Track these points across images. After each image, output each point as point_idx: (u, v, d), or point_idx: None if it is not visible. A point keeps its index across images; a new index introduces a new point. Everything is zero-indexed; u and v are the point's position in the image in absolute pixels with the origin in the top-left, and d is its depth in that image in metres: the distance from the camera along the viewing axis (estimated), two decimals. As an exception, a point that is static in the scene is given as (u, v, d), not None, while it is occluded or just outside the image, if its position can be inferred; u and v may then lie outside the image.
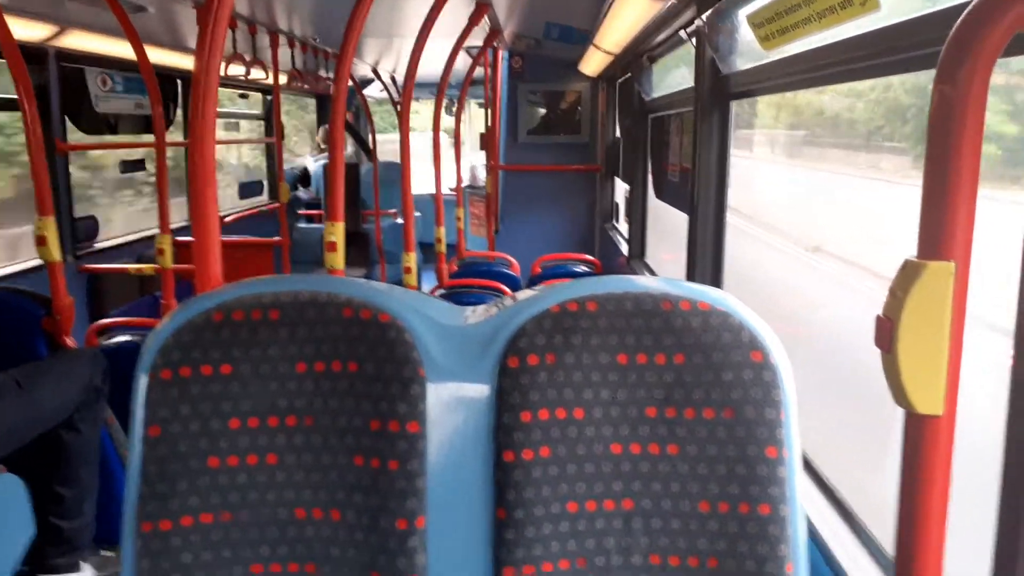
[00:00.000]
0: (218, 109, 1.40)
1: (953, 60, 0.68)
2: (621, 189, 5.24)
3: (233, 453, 0.94)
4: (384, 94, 7.34)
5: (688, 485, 0.93)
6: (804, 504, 0.94)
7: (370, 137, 6.67)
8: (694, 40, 2.34)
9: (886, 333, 0.73)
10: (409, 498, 0.93)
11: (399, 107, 4.53)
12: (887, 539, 1.28)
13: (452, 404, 0.95)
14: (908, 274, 0.72)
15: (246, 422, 0.94)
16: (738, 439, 0.91)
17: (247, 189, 6.32)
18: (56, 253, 2.48)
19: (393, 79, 7.02)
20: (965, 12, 0.68)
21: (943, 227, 0.71)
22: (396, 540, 0.92)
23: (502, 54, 5.36)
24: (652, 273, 4.07)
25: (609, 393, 0.93)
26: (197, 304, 0.96)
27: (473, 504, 0.94)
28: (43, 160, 2.44)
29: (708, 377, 0.92)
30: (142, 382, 0.94)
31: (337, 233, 1.87)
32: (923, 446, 0.74)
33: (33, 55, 3.37)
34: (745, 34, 2.09)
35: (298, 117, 8.94)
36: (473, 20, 3.24)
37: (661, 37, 3.04)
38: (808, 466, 1.59)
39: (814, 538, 1.34)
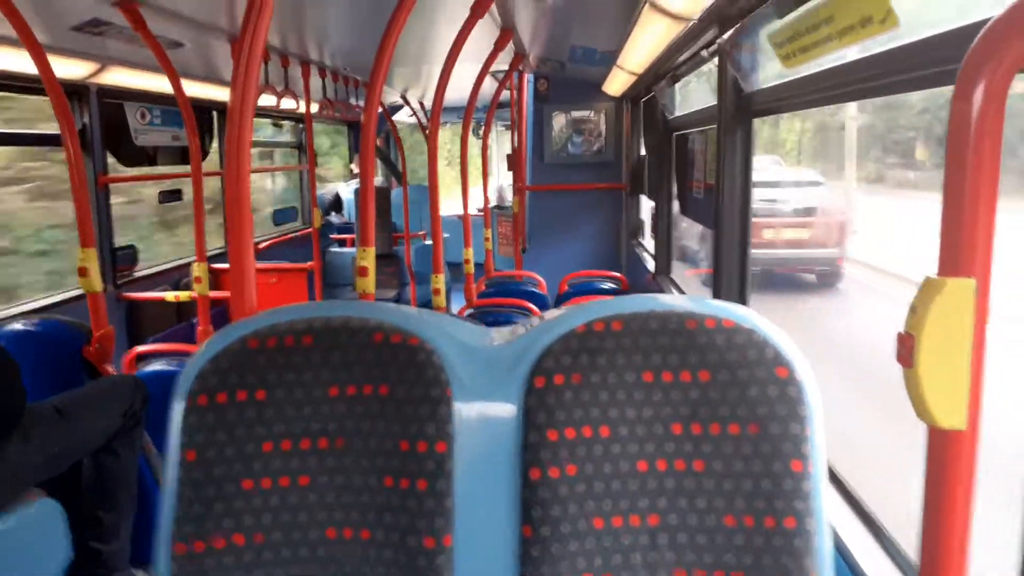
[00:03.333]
0: (252, 139, 1.44)
1: (971, 77, 0.69)
2: (647, 206, 5.24)
3: (266, 475, 0.97)
4: (413, 119, 7.45)
5: (714, 500, 0.93)
6: (830, 517, 0.94)
7: (400, 162, 6.76)
8: (716, 59, 2.36)
9: (908, 349, 0.73)
10: (437, 517, 0.94)
11: (427, 132, 4.60)
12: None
13: (479, 424, 0.97)
14: (929, 291, 0.72)
15: (279, 445, 0.97)
16: (764, 454, 0.92)
17: (281, 215, 6.44)
18: (98, 284, 2.56)
19: (421, 104, 7.12)
20: (983, 30, 0.68)
21: (963, 244, 0.71)
22: (425, 559, 0.94)
23: (527, 77, 5.42)
24: (679, 289, 4.06)
25: (635, 411, 0.94)
26: (233, 331, 1.00)
27: (500, 522, 0.96)
28: (86, 194, 2.52)
29: (733, 394, 0.93)
30: (179, 408, 0.97)
31: (368, 258, 1.91)
32: (947, 460, 0.74)
33: (75, 91, 3.49)
34: (766, 52, 2.11)
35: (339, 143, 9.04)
36: (498, 45, 3.29)
37: (684, 57, 3.06)
38: (835, 478, 1.58)
39: (840, 551, 1.33)
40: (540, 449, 0.94)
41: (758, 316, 0.96)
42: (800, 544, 0.91)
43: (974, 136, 0.69)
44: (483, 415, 0.97)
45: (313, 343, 0.98)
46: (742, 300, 2.33)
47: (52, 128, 3.04)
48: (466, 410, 0.97)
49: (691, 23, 2.51)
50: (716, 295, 2.40)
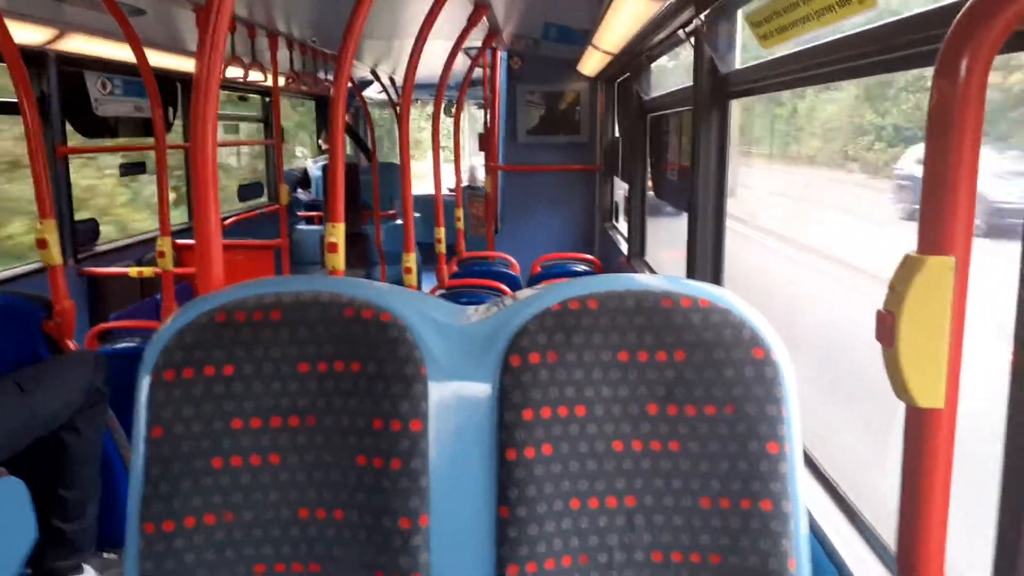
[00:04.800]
0: (218, 111, 1.40)
1: (952, 57, 0.68)
2: (620, 188, 5.24)
3: (236, 453, 0.94)
4: (383, 95, 7.36)
5: (690, 482, 0.93)
6: (805, 499, 0.94)
7: (369, 138, 6.67)
8: (692, 39, 2.35)
9: (887, 327, 0.73)
10: (412, 497, 0.93)
11: (398, 108, 4.53)
12: (890, 533, 1.29)
13: (454, 403, 0.96)
14: (908, 268, 0.72)
15: (249, 422, 0.95)
16: (739, 435, 0.92)
17: (246, 191, 6.32)
18: (57, 256, 2.49)
19: (392, 80, 7.02)
20: (964, 8, 0.68)
21: (943, 222, 0.71)
22: (400, 539, 0.92)
23: (501, 55, 5.37)
24: (652, 272, 4.07)
25: (611, 391, 0.93)
26: (200, 305, 0.96)
27: (476, 502, 0.95)
28: (43, 164, 2.44)
29: (709, 374, 0.92)
30: (145, 383, 0.94)
31: (338, 234, 1.87)
32: (924, 439, 0.74)
33: (33, 59, 3.38)
34: (743, 33, 2.10)
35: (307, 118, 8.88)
36: (472, 21, 3.24)
37: (660, 37, 3.05)
38: (809, 461, 1.60)
39: (815, 533, 1.34)
40: (516, 428, 0.93)
41: (734, 296, 0.96)
42: (776, 526, 0.91)
43: (955, 116, 0.69)
44: (458, 394, 0.96)
45: (282, 318, 0.95)
46: (717, 281, 2.34)
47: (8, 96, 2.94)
48: (441, 389, 0.95)
49: (667, 2, 2.49)
50: (690, 276, 2.40)
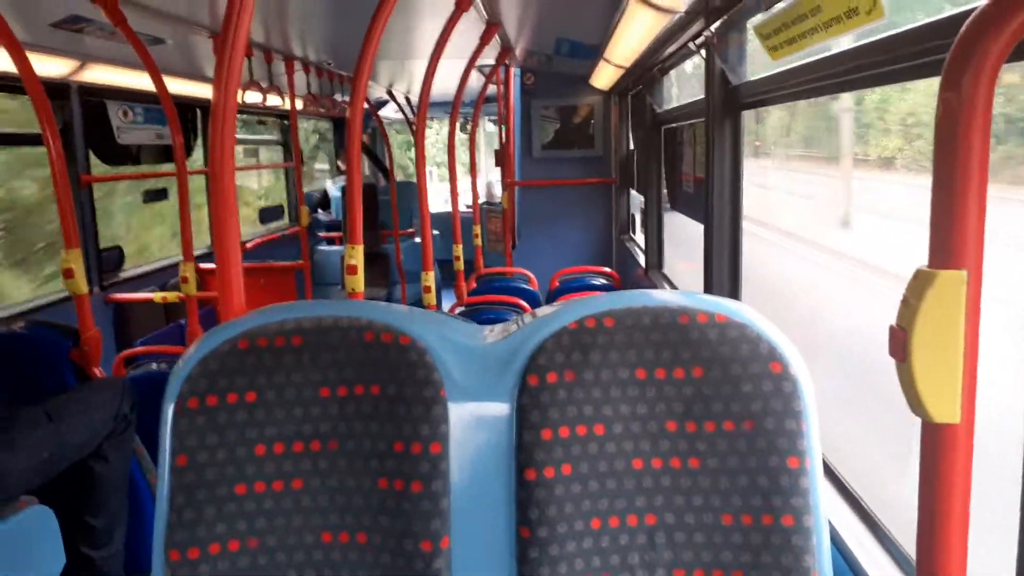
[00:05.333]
0: (237, 136, 1.42)
1: (958, 68, 0.68)
2: (637, 201, 5.23)
3: (259, 479, 0.95)
4: (399, 115, 7.42)
5: (710, 498, 0.93)
6: (827, 513, 0.94)
7: (387, 158, 6.73)
8: (703, 52, 2.35)
9: (900, 343, 0.73)
10: (433, 519, 0.94)
11: (414, 127, 4.57)
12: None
13: (473, 424, 0.96)
14: (920, 283, 0.72)
15: (272, 448, 0.96)
16: (759, 451, 0.91)
17: (267, 214, 6.40)
18: (83, 286, 2.53)
19: (408, 99, 7.09)
20: (969, 19, 0.68)
21: (953, 235, 0.70)
22: (422, 562, 0.93)
23: (514, 71, 5.40)
24: (671, 284, 4.06)
25: (629, 408, 0.94)
26: (222, 333, 0.98)
27: (496, 523, 0.95)
28: (68, 193, 2.49)
29: (727, 390, 0.92)
30: (169, 412, 0.96)
31: (357, 256, 1.89)
32: (941, 455, 0.73)
33: (56, 90, 3.45)
34: (754, 45, 2.10)
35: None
36: (484, 39, 3.27)
37: (671, 50, 3.06)
38: (830, 474, 1.58)
39: (838, 546, 1.33)
40: (535, 449, 0.93)
41: (752, 311, 0.96)
42: (799, 541, 0.90)
43: (962, 127, 0.69)
44: (477, 415, 0.96)
45: (303, 343, 0.97)
46: (734, 295, 2.33)
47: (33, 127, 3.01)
48: (460, 410, 0.96)
49: (677, 16, 2.50)
50: (707, 290, 2.40)
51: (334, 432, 0.97)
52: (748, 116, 2.28)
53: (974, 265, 0.70)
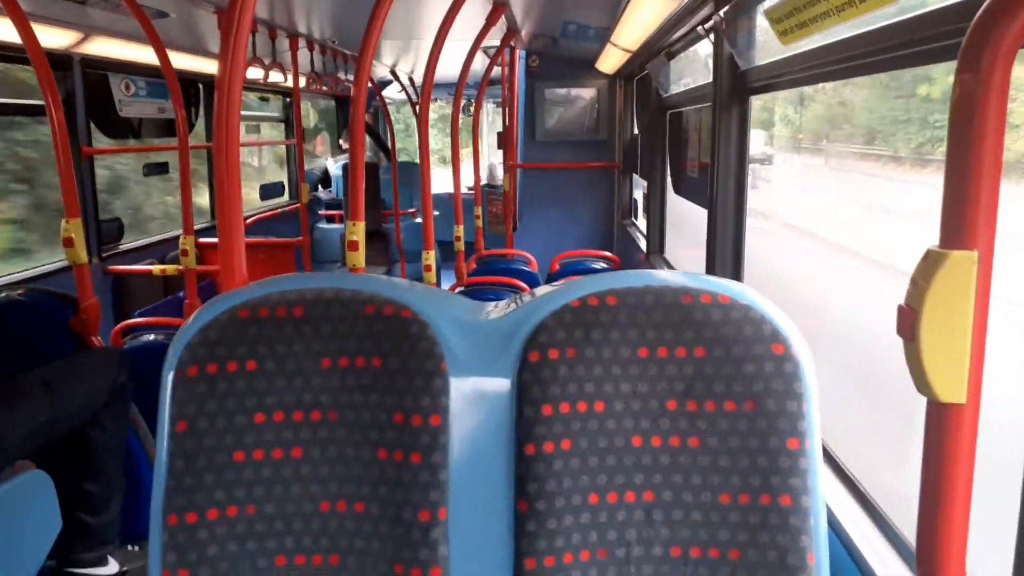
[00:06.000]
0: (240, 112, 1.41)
1: (974, 50, 0.68)
2: (639, 186, 5.22)
3: (259, 447, 0.96)
4: (402, 95, 7.39)
5: (709, 477, 0.93)
6: (824, 495, 0.94)
7: (389, 138, 6.71)
8: (712, 36, 2.34)
9: (908, 322, 0.73)
10: (432, 490, 0.94)
11: (417, 108, 4.55)
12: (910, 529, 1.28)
13: (474, 398, 0.96)
14: (930, 263, 0.72)
15: (271, 416, 0.96)
16: (759, 431, 0.92)
17: (268, 190, 6.38)
18: (83, 254, 2.53)
19: (411, 80, 7.05)
20: (986, 2, 0.67)
21: (965, 216, 0.70)
22: (419, 532, 0.93)
23: (519, 53, 5.37)
24: (672, 269, 4.06)
25: (630, 386, 0.94)
26: (224, 302, 0.98)
27: (495, 496, 0.95)
28: (70, 164, 2.49)
29: (729, 370, 0.92)
30: (169, 378, 0.96)
31: (358, 232, 1.89)
32: (946, 435, 0.73)
33: (59, 62, 3.43)
34: (763, 28, 2.09)
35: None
36: (490, 20, 3.25)
37: (678, 33, 3.03)
38: (828, 457, 1.59)
39: (835, 528, 1.34)
40: (535, 423, 0.93)
41: (754, 292, 0.95)
42: (796, 521, 0.91)
43: (978, 110, 0.69)
44: (478, 389, 0.97)
45: (304, 314, 0.97)
46: (737, 277, 2.33)
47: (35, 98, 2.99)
48: (460, 384, 0.96)
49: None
50: (710, 271, 2.39)
51: (334, 402, 0.97)
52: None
53: (985, 247, 0.70)
